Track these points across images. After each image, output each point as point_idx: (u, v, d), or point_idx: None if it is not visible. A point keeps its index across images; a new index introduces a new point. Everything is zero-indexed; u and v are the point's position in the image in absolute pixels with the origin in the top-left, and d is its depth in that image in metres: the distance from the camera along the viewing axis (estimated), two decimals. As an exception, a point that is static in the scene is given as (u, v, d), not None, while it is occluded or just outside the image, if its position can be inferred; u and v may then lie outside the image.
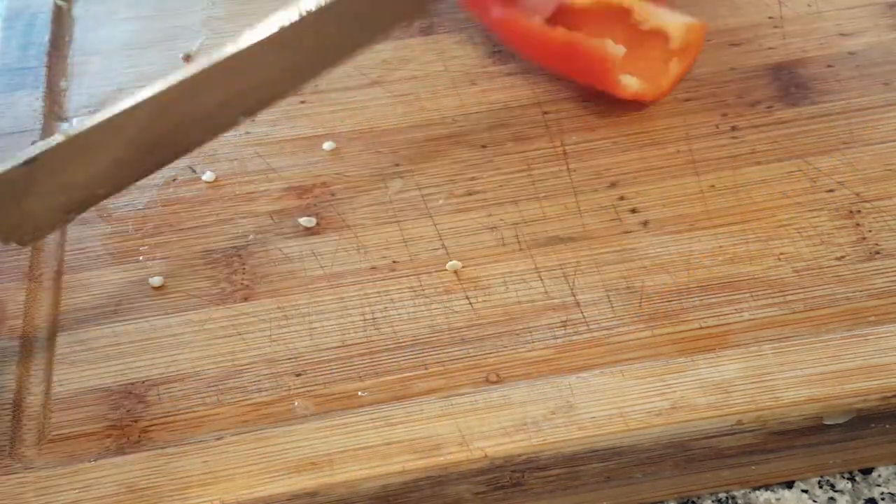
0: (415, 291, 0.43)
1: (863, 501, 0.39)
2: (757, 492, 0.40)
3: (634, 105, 0.49)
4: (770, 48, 0.52)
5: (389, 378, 0.40)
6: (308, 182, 0.48)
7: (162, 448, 0.39)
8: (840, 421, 0.38)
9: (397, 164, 0.48)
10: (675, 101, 0.50)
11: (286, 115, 0.51)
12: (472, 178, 0.47)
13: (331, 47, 0.44)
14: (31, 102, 0.52)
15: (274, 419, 0.39)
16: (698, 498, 0.40)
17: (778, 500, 0.40)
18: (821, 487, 0.40)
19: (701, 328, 0.41)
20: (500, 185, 0.47)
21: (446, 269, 0.44)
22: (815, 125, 0.48)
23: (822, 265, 0.42)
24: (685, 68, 0.49)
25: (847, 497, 0.40)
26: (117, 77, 0.54)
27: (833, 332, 0.40)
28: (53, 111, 0.52)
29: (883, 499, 0.39)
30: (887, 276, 0.42)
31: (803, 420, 0.38)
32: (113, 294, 0.44)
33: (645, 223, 0.45)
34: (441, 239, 0.45)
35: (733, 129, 0.48)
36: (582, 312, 0.42)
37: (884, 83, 0.49)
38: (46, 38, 0.55)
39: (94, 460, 0.39)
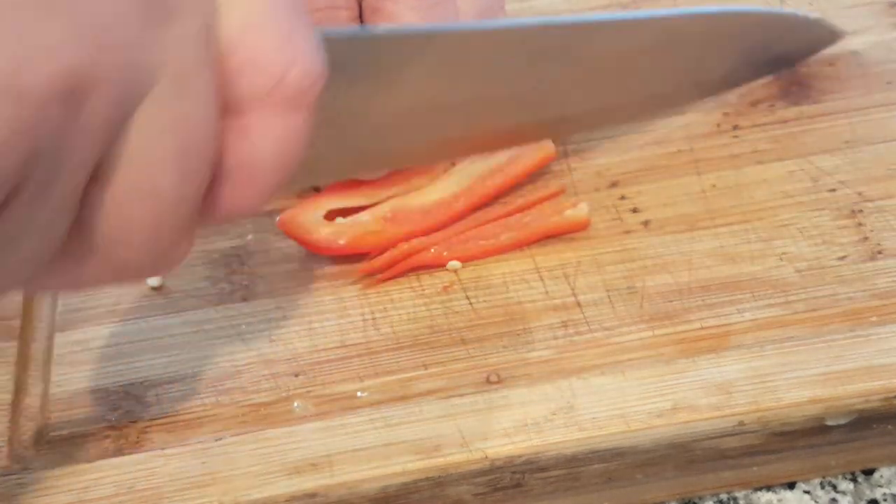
0: (415, 291, 0.43)
1: (865, 502, 0.39)
2: (759, 492, 0.40)
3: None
4: (771, 47, 0.52)
5: (389, 378, 0.40)
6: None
7: (161, 449, 0.39)
8: (842, 422, 0.38)
9: (397, 164, 0.48)
10: (677, 100, 0.50)
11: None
12: (473, 178, 0.47)
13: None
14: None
15: (273, 420, 0.39)
16: (700, 499, 0.40)
17: (780, 500, 0.40)
18: (823, 488, 0.40)
19: (702, 328, 0.41)
20: (501, 185, 0.47)
21: (446, 269, 0.44)
22: (816, 124, 0.48)
23: (824, 265, 0.42)
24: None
25: (849, 498, 0.39)
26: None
27: (835, 333, 0.40)
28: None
29: (885, 500, 0.39)
30: (889, 276, 0.42)
31: (805, 421, 0.38)
32: (111, 294, 0.44)
33: (646, 223, 0.45)
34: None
35: (735, 128, 0.48)
36: (583, 312, 0.42)
37: (886, 82, 0.49)
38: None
39: (93, 461, 0.38)
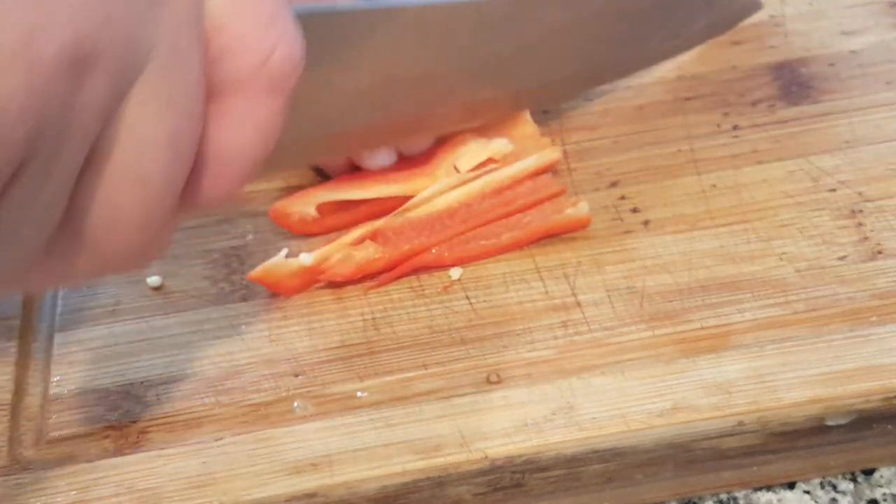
0: (415, 291, 0.43)
1: (865, 502, 0.39)
2: (759, 492, 0.40)
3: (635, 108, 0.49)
4: (772, 47, 0.52)
5: (389, 379, 0.40)
6: (307, 181, 0.48)
7: (161, 449, 0.39)
8: (842, 422, 0.38)
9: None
10: (677, 100, 0.50)
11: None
12: (473, 178, 0.47)
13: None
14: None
15: (273, 420, 0.39)
16: (700, 499, 0.40)
17: (780, 500, 0.40)
18: (823, 488, 0.40)
19: (702, 328, 0.41)
20: (501, 185, 0.47)
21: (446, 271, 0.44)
22: (816, 124, 0.48)
23: (824, 265, 0.42)
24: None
25: (849, 498, 0.39)
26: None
27: (835, 333, 0.40)
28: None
29: (885, 500, 0.39)
30: (889, 276, 0.42)
31: (805, 421, 0.38)
32: (111, 294, 0.44)
33: (646, 223, 0.45)
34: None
35: (735, 128, 0.48)
36: (583, 312, 0.42)
37: (886, 82, 0.49)
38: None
39: (93, 461, 0.38)
